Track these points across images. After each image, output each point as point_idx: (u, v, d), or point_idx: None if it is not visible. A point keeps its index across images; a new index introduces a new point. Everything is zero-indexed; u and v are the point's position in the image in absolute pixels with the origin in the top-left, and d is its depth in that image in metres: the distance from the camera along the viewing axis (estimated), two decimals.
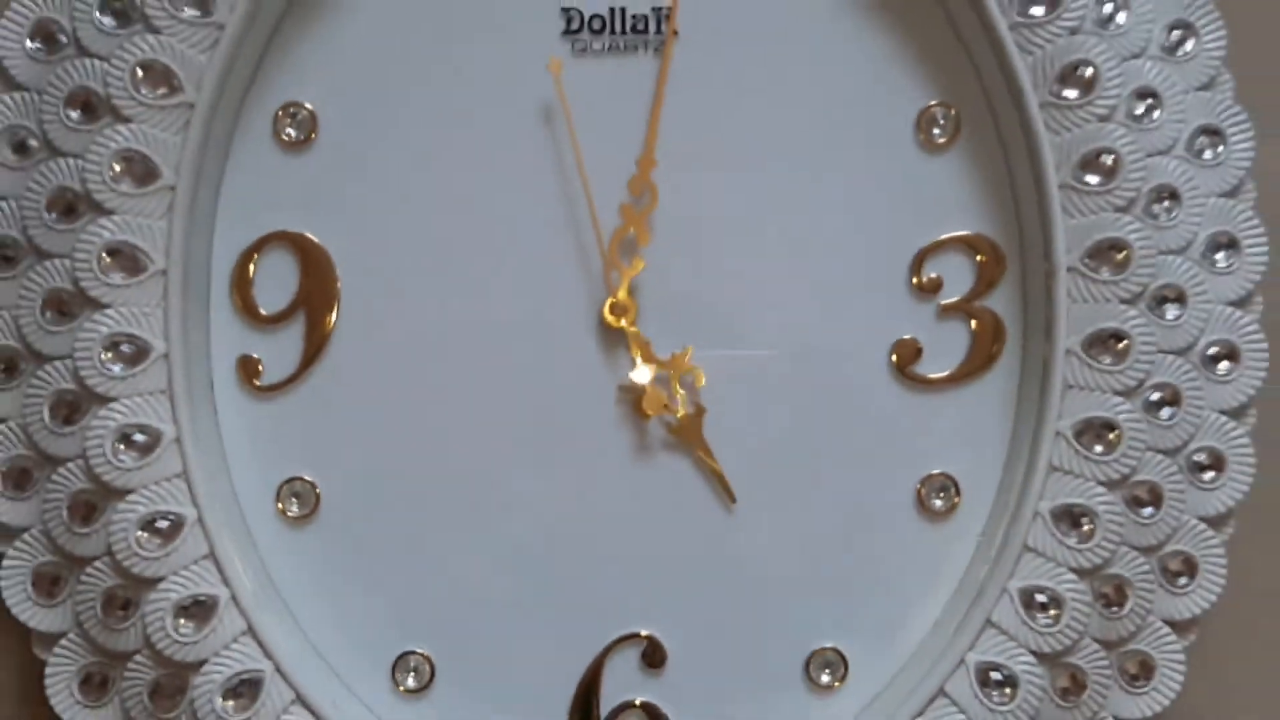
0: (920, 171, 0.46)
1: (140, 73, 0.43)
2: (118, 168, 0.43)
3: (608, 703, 0.46)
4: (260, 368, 0.46)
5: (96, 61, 0.43)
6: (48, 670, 0.45)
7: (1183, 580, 0.45)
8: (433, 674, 0.46)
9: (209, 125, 0.43)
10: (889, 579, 0.46)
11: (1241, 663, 0.49)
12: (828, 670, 0.46)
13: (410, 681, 0.46)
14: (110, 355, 0.43)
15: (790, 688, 0.46)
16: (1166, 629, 0.45)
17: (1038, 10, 0.43)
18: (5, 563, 0.45)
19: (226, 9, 0.43)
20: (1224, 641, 0.49)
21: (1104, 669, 0.44)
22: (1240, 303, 0.45)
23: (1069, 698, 0.44)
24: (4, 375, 0.44)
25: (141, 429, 0.43)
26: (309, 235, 0.46)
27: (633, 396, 0.46)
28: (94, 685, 0.45)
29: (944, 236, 0.46)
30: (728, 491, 0.46)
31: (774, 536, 0.46)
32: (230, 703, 0.43)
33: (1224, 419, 0.45)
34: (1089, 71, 0.43)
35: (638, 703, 0.46)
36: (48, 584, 0.45)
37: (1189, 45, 0.45)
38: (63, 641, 0.45)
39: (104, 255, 0.43)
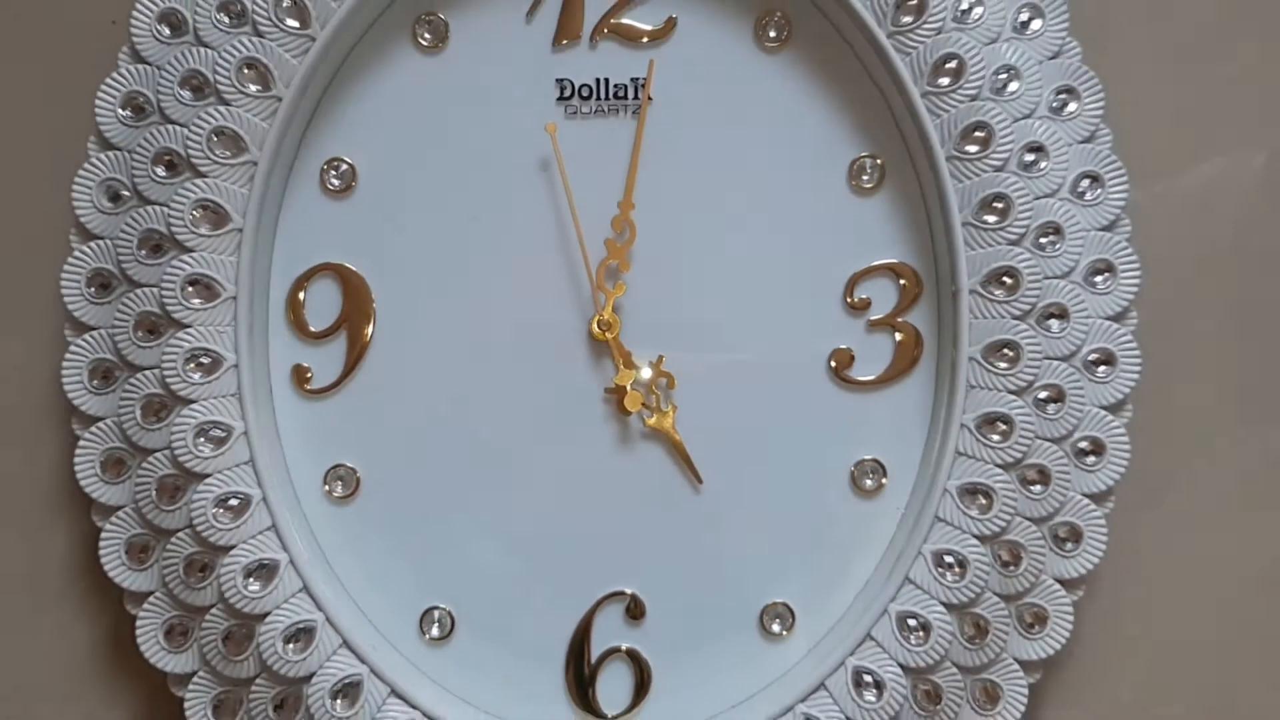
0: (852, 211, 0.54)
1: (214, 137, 0.52)
2: (196, 214, 0.52)
3: (598, 648, 0.55)
4: (310, 375, 0.55)
5: (177, 128, 0.52)
6: (138, 623, 0.53)
7: (1070, 546, 0.54)
8: (453, 625, 0.55)
9: (269, 178, 0.52)
10: (828, 545, 0.55)
11: (1123, 614, 0.58)
12: (778, 620, 0.55)
13: (435, 631, 0.55)
14: (191, 366, 0.52)
15: (747, 635, 0.55)
16: (1057, 586, 0.54)
17: (944, 81, 0.52)
18: (103, 535, 0.53)
19: (283, 85, 0.52)
20: (1108, 596, 0.57)
21: (1004, 618, 0.53)
22: (1117, 317, 0.54)
23: (974, 641, 0.53)
24: (102, 382, 0.53)
25: (216, 425, 0.52)
26: (349, 266, 0.54)
27: (616, 397, 0.55)
28: (176, 634, 0.53)
29: (872, 264, 0.55)
30: (695, 474, 0.55)
31: (734, 510, 0.55)
32: (290, 646, 0.52)
33: (1104, 413, 0.54)
34: (985, 131, 0.52)
35: (623, 648, 0.55)
36: (138, 552, 0.53)
37: (1072, 106, 0.53)
38: (150, 599, 0.53)
39: (186, 285, 0.52)
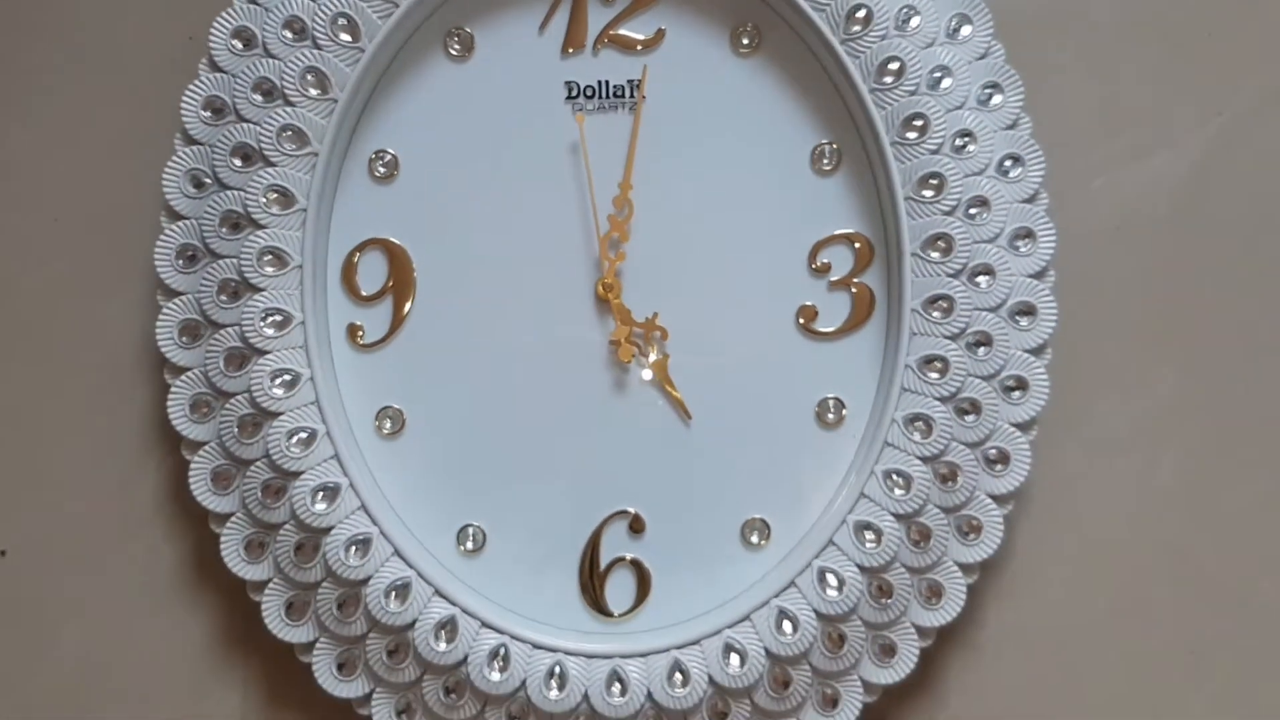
0: (814, 189, 0.64)
1: (282, 133, 0.62)
2: (268, 197, 0.62)
3: (605, 558, 0.64)
4: (362, 331, 0.64)
5: (251, 125, 0.62)
6: (222, 539, 0.63)
7: (999, 467, 0.64)
8: (485, 539, 0.64)
9: (328, 166, 0.62)
10: (798, 469, 0.64)
11: (1050, 525, 0.67)
12: (757, 533, 0.65)
13: (469, 544, 0.64)
14: (265, 323, 0.62)
15: (731, 545, 0.64)
16: (990, 500, 0.63)
17: (888, 79, 0.62)
18: (192, 467, 0.63)
19: (339, 89, 0.62)
20: (1036, 510, 0.67)
21: (944, 526, 0.63)
22: (1038, 275, 0.63)
23: (919, 546, 0.62)
24: (189, 339, 0.63)
25: (287, 372, 0.62)
26: (394, 240, 0.64)
27: (618, 346, 0.65)
28: (254, 548, 0.63)
29: (832, 234, 0.64)
30: (685, 411, 0.65)
31: (719, 442, 0.64)
32: (351, 554, 0.62)
33: (1027, 355, 0.63)
34: (923, 120, 0.62)
35: (627, 558, 0.65)
36: (222, 480, 0.63)
37: (997, 99, 0.63)
38: (232, 519, 0.63)
39: (260, 256, 0.63)
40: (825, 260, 0.65)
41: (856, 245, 0.65)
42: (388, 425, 0.65)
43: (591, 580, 0.65)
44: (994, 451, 0.64)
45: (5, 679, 0.68)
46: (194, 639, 0.68)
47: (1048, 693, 0.68)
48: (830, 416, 0.65)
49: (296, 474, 0.62)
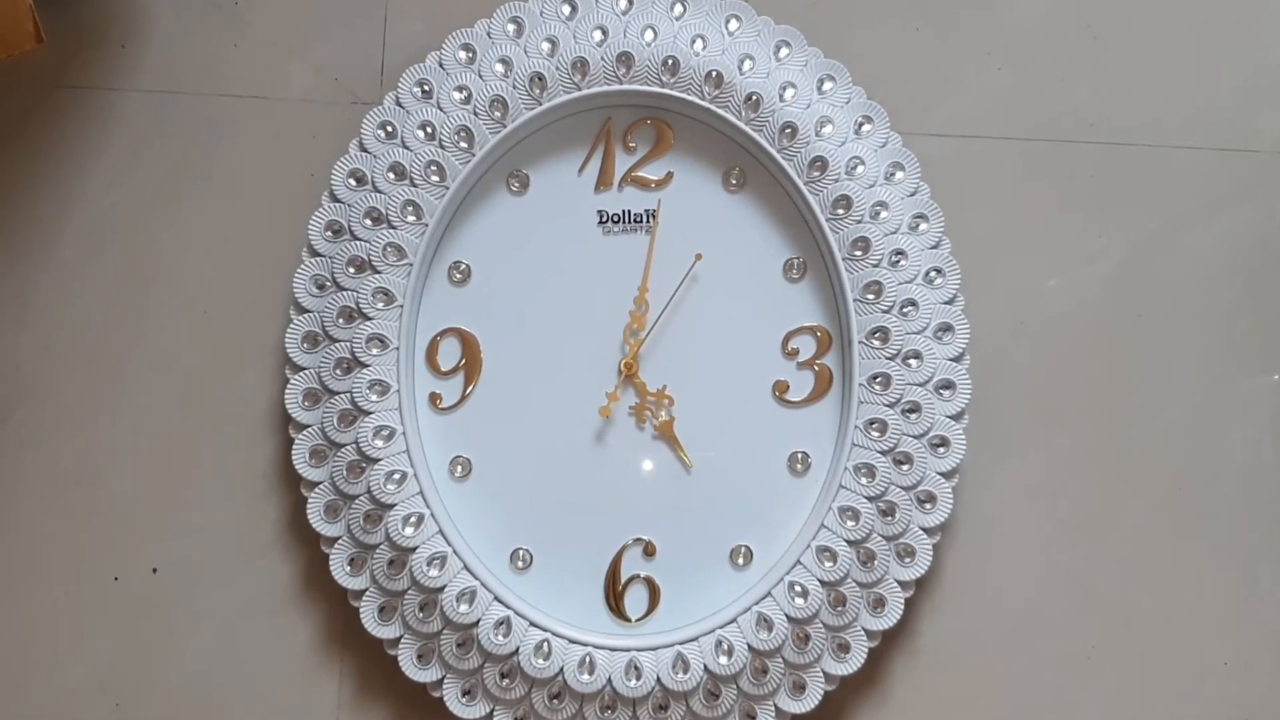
0: (786, 292, 0.83)
1: (386, 249, 0.82)
2: (375, 296, 0.82)
3: (625, 574, 0.82)
4: (440, 398, 0.84)
5: (362, 242, 0.82)
6: (330, 557, 0.81)
7: (928, 505, 0.81)
8: (532, 560, 0.83)
9: (419, 273, 0.82)
10: (774, 507, 0.82)
11: (971, 552, 0.86)
12: (742, 556, 0.83)
13: (520, 564, 0.83)
14: (370, 390, 0.82)
15: (722, 566, 0.82)
16: (922, 531, 0.81)
17: (840, 211, 0.83)
18: (309, 500, 0.82)
19: (429, 216, 0.83)
20: (961, 540, 0.86)
21: (886, 550, 0.81)
22: (956, 359, 0.82)
23: (866, 565, 0.81)
24: (310, 403, 0.83)
25: (385, 428, 0.82)
26: (467, 329, 0.84)
27: (635, 411, 0.85)
28: (356, 563, 0.81)
29: (800, 326, 0.84)
30: (687, 461, 0.84)
31: (713, 485, 0.83)
32: (430, 568, 0.81)
33: (949, 419, 0.82)
34: (866, 242, 0.83)
35: (642, 575, 0.83)
36: (332, 511, 0.81)
37: (923, 226, 0.84)
38: (339, 541, 0.81)
39: (368, 340, 0.83)
40: (795, 346, 0.85)
41: (818, 335, 0.85)
42: (459, 470, 0.84)
43: (614, 592, 0.84)
44: (924, 493, 0.83)
45: (156, 670, 0.86)
46: (302, 638, 0.86)
47: (972, 689, 0.86)
48: (799, 466, 0.84)
49: (390, 505, 0.81)
